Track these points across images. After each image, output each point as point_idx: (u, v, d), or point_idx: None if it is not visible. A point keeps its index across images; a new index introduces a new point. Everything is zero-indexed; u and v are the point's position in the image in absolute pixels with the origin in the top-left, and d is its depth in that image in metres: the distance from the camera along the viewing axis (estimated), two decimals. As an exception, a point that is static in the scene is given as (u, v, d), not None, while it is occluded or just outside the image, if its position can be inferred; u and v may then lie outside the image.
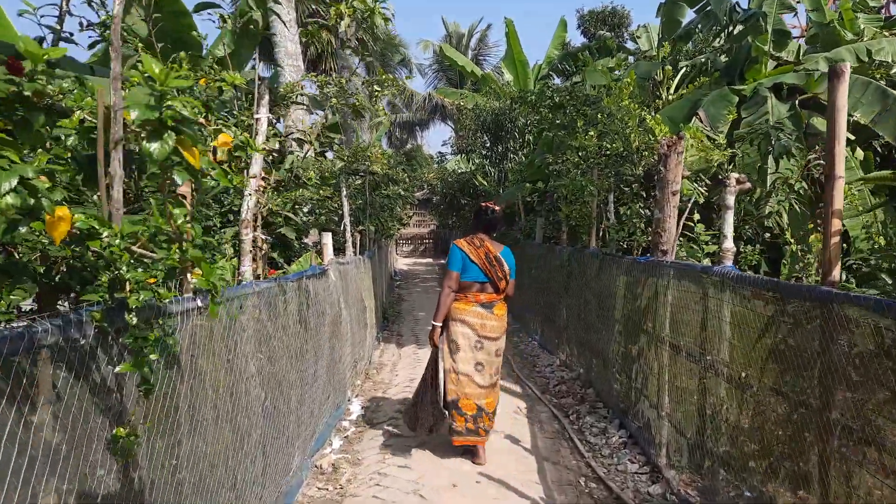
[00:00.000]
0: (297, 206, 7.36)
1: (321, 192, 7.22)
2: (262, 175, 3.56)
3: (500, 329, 5.04)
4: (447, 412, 4.95)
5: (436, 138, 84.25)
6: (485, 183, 16.00)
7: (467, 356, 4.96)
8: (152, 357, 1.80)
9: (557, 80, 18.99)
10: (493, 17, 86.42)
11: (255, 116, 3.07)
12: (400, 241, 34.31)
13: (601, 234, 7.51)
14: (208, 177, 2.21)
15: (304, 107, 7.88)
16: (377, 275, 11.02)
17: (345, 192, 7.42)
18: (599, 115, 8.04)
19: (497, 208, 5.23)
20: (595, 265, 6.90)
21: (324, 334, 5.23)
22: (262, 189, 3.67)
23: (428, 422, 5.14)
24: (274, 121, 3.65)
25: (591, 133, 7.85)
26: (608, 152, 7.42)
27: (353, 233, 8.03)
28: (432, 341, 5.11)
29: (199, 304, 2.50)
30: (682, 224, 5.28)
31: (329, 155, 10.22)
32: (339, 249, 8.44)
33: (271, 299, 3.54)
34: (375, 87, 4.97)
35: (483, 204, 5.33)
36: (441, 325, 5.02)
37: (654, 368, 4.97)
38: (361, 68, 30.14)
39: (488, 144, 16.15)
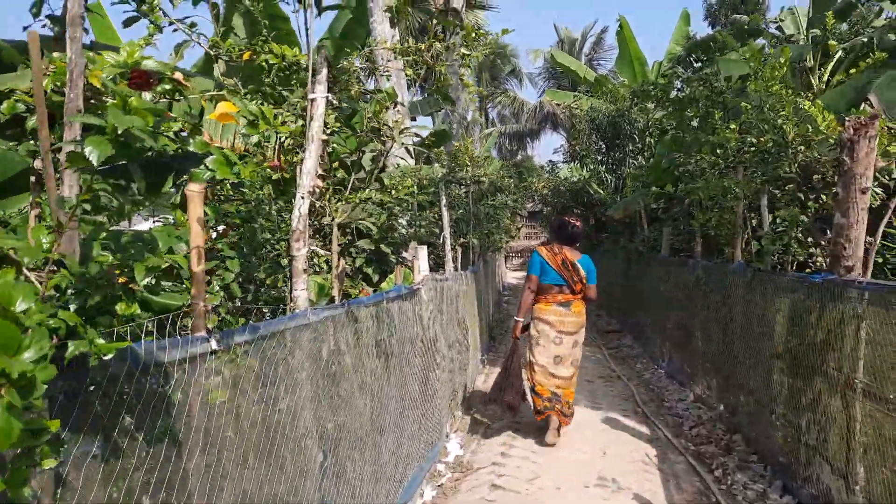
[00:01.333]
0: (393, 216, 6.72)
1: (417, 199, 6.55)
2: (321, 172, 2.86)
3: (577, 325, 5.78)
4: (528, 397, 5.69)
5: (547, 149, 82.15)
6: (600, 191, 14.79)
7: (547, 350, 5.68)
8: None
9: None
10: (609, 20, 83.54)
11: (310, 97, 2.38)
12: (510, 255, 33.43)
13: (747, 245, 6.24)
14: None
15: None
16: (483, 291, 10.21)
17: (444, 202, 6.68)
18: (743, 105, 6.78)
19: (578, 223, 5.98)
20: (742, 284, 5.67)
21: (413, 367, 4.47)
22: (320, 191, 2.96)
23: (510, 404, 5.80)
24: (338, 102, 2.96)
25: (732, 126, 6.61)
26: (756, 147, 6.16)
27: (454, 246, 7.28)
28: (514, 334, 5.93)
29: (209, 346, 1.77)
30: (881, 232, 4.03)
31: (436, 165, 9.60)
32: (439, 265, 7.73)
33: (336, 331, 2.81)
34: (463, 51, 4.19)
35: (566, 218, 6.00)
36: (522, 320, 5.86)
37: (838, 422, 3.75)
38: (468, 75, 29.87)
39: (604, 149, 14.95)
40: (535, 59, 36.42)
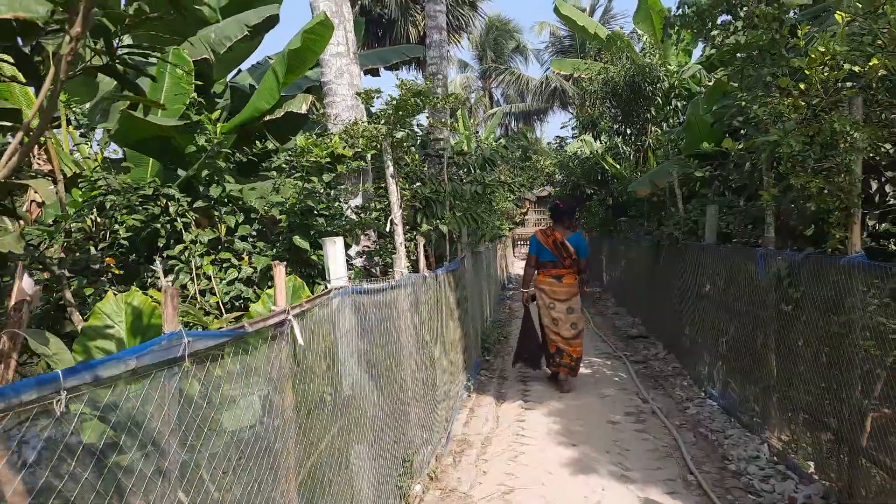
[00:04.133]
0: (311, 192, 4.48)
1: (352, 165, 4.34)
2: None
3: (568, 293, 6.75)
4: (542, 353, 7.00)
5: (555, 130, 79.18)
6: (617, 165, 12.42)
7: (546, 314, 6.81)
8: None
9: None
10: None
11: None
12: (518, 242, 31.10)
13: (871, 226, 3.94)
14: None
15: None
16: (471, 293, 7.96)
17: (391, 170, 4.44)
18: (839, 15, 4.45)
19: (561, 203, 7.13)
20: (876, 291, 3.37)
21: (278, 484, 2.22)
22: None
23: (533, 358, 7.08)
24: None
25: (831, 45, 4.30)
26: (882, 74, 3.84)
27: (412, 237, 5.05)
28: (524, 302, 7.17)
29: None
30: None
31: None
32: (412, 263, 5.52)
33: None
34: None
35: (556, 200, 7.39)
36: (527, 291, 7.09)
37: None
38: (470, 55, 27.11)
39: (620, 117, 12.56)
40: (541, 32, 33.88)
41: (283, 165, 4.66)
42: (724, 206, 6.88)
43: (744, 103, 5.13)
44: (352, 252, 5.35)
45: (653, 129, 12.23)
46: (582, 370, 7.60)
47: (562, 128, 51.99)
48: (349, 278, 3.52)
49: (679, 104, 11.88)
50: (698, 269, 6.93)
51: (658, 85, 11.48)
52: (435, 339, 5.45)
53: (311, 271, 4.58)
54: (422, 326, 4.87)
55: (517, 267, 25.87)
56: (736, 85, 6.30)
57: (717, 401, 6.07)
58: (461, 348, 6.73)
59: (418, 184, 6.35)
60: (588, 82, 12.48)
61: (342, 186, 5.43)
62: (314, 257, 4.47)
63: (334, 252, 3.36)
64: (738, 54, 5.70)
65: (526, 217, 27.76)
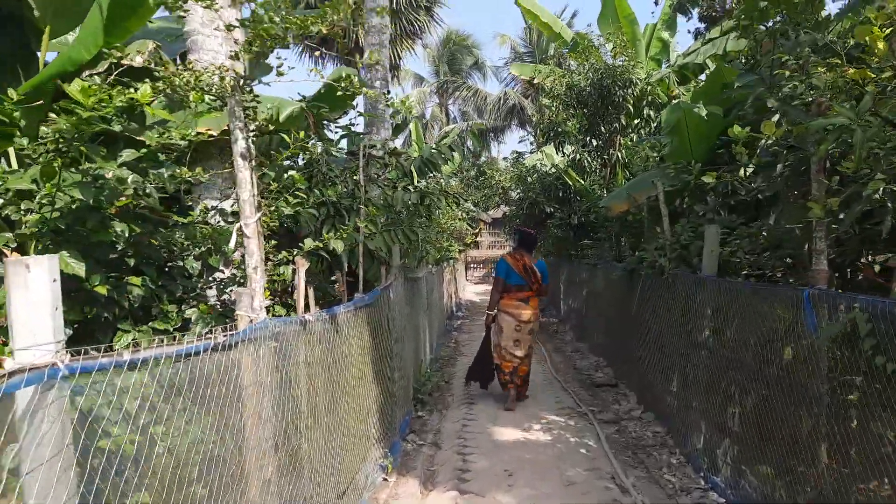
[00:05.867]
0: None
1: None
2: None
3: (532, 316, 6.94)
4: (496, 373, 7.12)
5: (513, 149, 78.37)
6: (581, 180, 10.87)
7: (509, 335, 6.89)
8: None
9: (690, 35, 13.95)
10: (579, 3, 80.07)
11: None
12: (472, 266, 29.43)
13: None
14: None
15: None
16: (401, 332, 6.16)
17: (240, 145, 2.64)
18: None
19: (532, 231, 7.66)
20: None
21: None
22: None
23: (485, 378, 7.31)
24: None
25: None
26: None
27: (266, 256, 3.24)
28: (487, 324, 7.17)
29: None
30: None
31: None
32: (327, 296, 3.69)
33: None
34: None
35: (524, 229, 7.50)
36: (493, 313, 7.03)
37: None
38: (427, 70, 25.37)
39: (586, 128, 11.04)
40: (503, 44, 32.71)
41: (59, 137, 2.78)
42: (725, 226, 5.30)
43: (787, 74, 3.52)
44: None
45: (622, 140, 10.76)
46: (541, 435, 5.89)
47: (520, 142, 50.77)
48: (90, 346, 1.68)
49: (651, 113, 10.45)
50: (692, 309, 5.30)
51: (630, 90, 10.01)
52: (328, 412, 3.63)
53: (100, 311, 2.71)
54: (295, 404, 3.04)
55: (469, 292, 24.13)
56: (747, 66, 4.76)
57: (724, 495, 4.38)
58: (377, 412, 4.90)
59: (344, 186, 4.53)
60: (551, 86, 10.94)
61: (195, 176, 3.56)
62: (101, 289, 2.62)
63: (26, 288, 1.54)
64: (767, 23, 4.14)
65: (479, 238, 26.21)
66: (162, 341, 3.08)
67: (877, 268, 3.79)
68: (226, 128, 3.89)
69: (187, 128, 3.44)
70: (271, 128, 3.27)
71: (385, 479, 4.82)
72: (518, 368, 6.90)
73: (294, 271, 3.23)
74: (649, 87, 10.34)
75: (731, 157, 6.03)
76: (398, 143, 24.08)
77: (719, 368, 4.68)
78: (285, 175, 4.16)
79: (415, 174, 6.64)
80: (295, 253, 3.49)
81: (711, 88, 5.98)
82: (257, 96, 2.95)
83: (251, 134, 2.81)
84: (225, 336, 2.41)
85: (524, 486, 4.65)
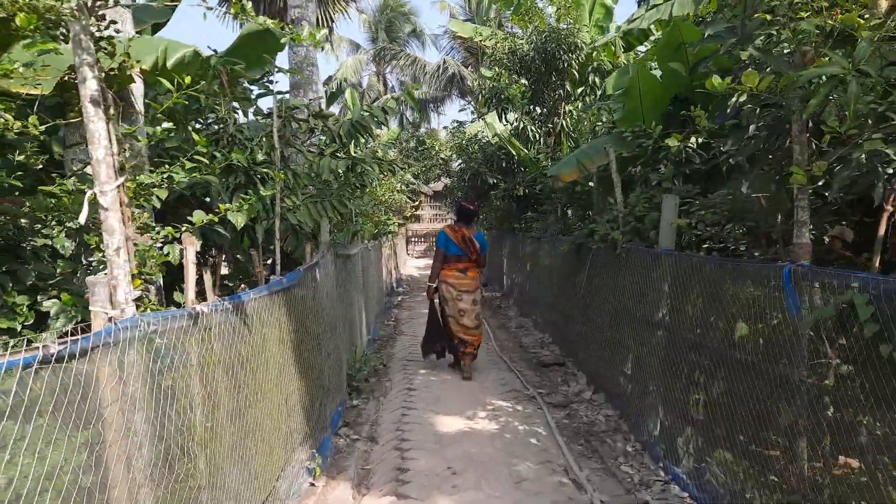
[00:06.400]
0: None
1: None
2: None
3: (473, 285, 7.08)
4: (448, 344, 7.19)
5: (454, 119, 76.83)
6: (524, 150, 10.38)
7: (453, 305, 7.01)
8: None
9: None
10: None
11: None
12: (413, 239, 28.81)
13: None
14: None
15: None
16: (331, 315, 5.55)
17: (91, 88, 1.96)
18: None
19: (473, 206, 7.43)
20: None
21: None
22: None
23: (440, 349, 7.31)
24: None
25: None
26: None
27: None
28: (429, 296, 7.25)
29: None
30: None
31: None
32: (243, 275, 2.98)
33: None
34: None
35: (464, 203, 7.41)
36: (434, 285, 7.13)
37: None
38: (363, 36, 24.23)
39: (529, 94, 10.52)
40: (442, 10, 31.75)
41: None
42: (682, 197, 4.90)
43: (767, 19, 3.05)
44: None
45: (567, 108, 10.31)
46: (487, 424, 5.43)
47: (460, 111, 49.91)
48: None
49: (597, 80, 10.02)
50: (648, 285, 4.90)
51: (575, 54, 9.53)
52: (235, 420, 3.01)
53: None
54: (184, 419, 2.41)
55: (410, 267, 23.57)
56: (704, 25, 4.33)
57: (687, 488, 4.02)
58: (301, 409, 4.29)
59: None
60: (492, 49, 10.34)
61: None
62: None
63: None
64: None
65: (420, 212, 25.57)
66: (5, 345, 2.39)
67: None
68: (108, 73, 3.14)
69: (43, 69, 2.69)
70: (131, 68, 2.55)
71: (312, 485, 4.24)
72: (466, 341, 6.98)
73: (182, 251, 2.57)
74: (594, 53, 9.88)
75: (684, 122, 5.65)
76: (335, 111, 22.95)
77: (679, 350, 4.30)
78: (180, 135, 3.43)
79: (344, 139, 5.96)
80: (184, 228, 2.82)
81: (666, 48, 5.53)
82: (114, 22, 2.25)
83: (112, 74, 2.12)
84: (64, 343, 1.76)
85: (470, 488, 4.16)
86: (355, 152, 6.06)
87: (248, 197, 3.33)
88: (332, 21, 19.79)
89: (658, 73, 5.76)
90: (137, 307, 2.27)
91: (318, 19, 21.09)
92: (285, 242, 5.92)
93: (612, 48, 10.36)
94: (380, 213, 10.97)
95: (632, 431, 5.16)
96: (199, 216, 2.87)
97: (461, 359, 7.02)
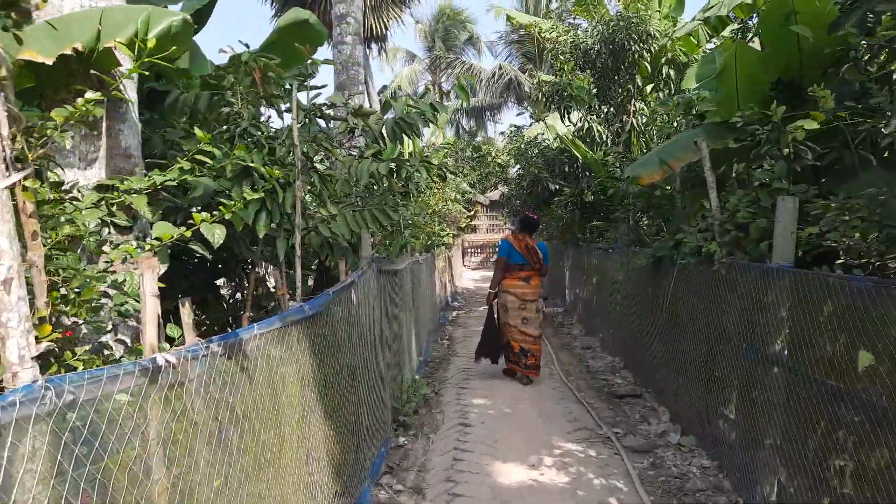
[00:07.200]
0: None
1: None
2: None
3: (535, 294, 7.08)
4: (503, 351, 7.17)
5: (510, 123, 75.01)
6: (590, 152, 9.43)
7: (514, 314, 7.00)
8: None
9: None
10: None
11: None
12: (469, 251, 27.95)
13: None
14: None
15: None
16: (374, 342, 4.79)
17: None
18: None
19: (536, 216, 7.51)
20: None
21: None
22: None
23: (495, 354, 7.22)
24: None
25: None
26: None
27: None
28: (488, 302, 7.35)
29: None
30: None
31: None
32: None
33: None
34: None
35: (527, 213, 7.53)
36: (494, 291, 7.23)
37: None
38: (419, 46, 23.70)
39: (594, 91, 9.58)
40: (497, 16, 31.03)
41: None
42: (803, 198, 3.91)
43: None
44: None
45: (637, 105, 9.31)
46: (555, 475, 4.54)
47: (518, 115, 48.58)
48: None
49: (672, 73, 9.00)
50: (760, 311, 3.92)
51: (647, 44, 8.55)
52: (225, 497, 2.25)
53: None
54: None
55: (466, 279, 22.71)
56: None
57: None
58: (329, 463, 3.52)
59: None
60: (554, 41, 9.47)
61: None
62: None
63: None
64: None
65: (476, 222, 24.77)
66: None
67: None
68: (69, 52, 2.48)
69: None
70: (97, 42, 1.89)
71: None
72: (529, 351, 6.99)
73: (141, 276, 1.83)
74: (669, 43, 8.87)
75: (794, 105, 4.63)
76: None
77: (810, 397, 3.31)
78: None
79: (387, 139, 5.22)
80: (146, 248, 2.09)
81: (773, 17, 4.54)
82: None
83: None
84: None
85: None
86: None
87: (229, 203, 2.59)
88: (387, 29, 19.30)
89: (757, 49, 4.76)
90: (49, 365, 1.56)
91: (371, 27, 20.69)
92: (327, 258, 5.22)
93: (692, 39, 9.33)
94: (433, 223, 10.21)
95: (736, 490, 4.16)
96: (162, 229, 2.14)
97: (526, 374, 7.03)
